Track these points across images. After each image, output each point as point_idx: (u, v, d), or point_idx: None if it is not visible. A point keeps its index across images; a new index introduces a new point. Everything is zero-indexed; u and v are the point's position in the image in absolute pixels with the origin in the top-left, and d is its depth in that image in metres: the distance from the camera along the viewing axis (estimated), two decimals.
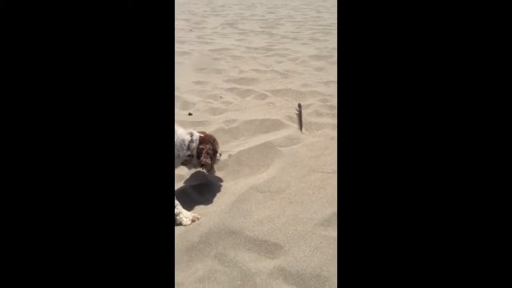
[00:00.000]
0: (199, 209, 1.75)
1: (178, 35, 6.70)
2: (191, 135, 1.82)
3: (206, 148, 1.80)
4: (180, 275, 1.34)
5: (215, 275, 1.35)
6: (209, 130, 2.63)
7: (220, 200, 1.81)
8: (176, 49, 5.50)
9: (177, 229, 1.58)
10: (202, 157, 1.79)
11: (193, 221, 1.64)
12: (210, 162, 1.81)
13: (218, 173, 2.10)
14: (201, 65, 4.65)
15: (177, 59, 5.00)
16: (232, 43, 6.10)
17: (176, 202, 1.65)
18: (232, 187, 1.93)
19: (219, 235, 1.54)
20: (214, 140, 1.91)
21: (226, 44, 5.97)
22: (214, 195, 1.88)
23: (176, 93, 3.52)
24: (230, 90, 3.69)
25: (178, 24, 8.02)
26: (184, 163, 1.83)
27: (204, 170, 1.89)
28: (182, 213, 1.64)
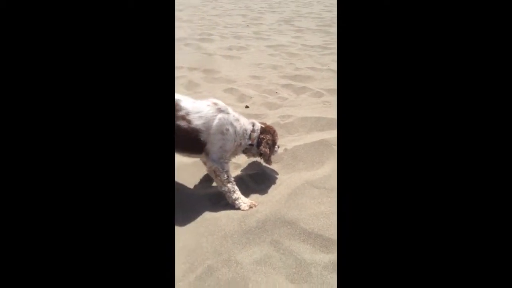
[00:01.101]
0: (255, 197, 1.83)
1: (235, 30, 6.90)
2: (253, 125, 1.90)
3: (266, 138, 1.88)
4: (239, 255, 1.43)
5: (271, 260, 1.42)
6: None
7: (276, 191, 1.87)
8: (233, 44, 5.68)
9: (236, 213, 1.67)
10: (262, 146, 1.87)
11: (250, 207, 1.72)
12: (268, 152, 1.88)
13: (273, 166, 2.17)
14: (258, 61, 4.75)
15: (234, 53, 5.17)
16: (288, 40, 6.12)
17: (236, 187, 1.75)
18: (287, 180, 1.98)
19: (275, 223, 1.60)
20: (274, 131, 1.98)
21: (282, 41, 6.01)
22: (269, 186, 1.94)
23: (233, 86, 3.65)
24: (286, 86, 3.73)
25: (236, 19, 8.24)
26: (245, 151, 1.93)
27: (262, 160, 1.98)
28: (241, 199, 1.74)
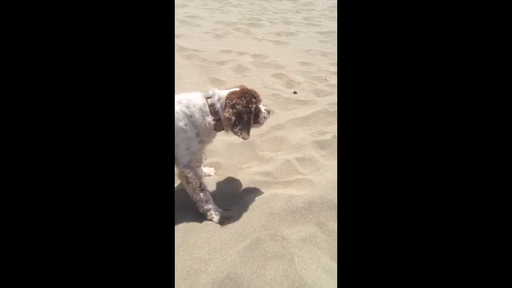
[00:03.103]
0: (303, 180, 1.86)
1: (284, 15, 6.81)
2: (210, 97, 1.55)
3: (233, 102, 1.50)
4: (285, 231, 1.49)
5: (316, 240, 1.45)
6: (313, 110, 2.70)
7: (323, 176, 1.89)
8: (282, 30, 5.63)
9: (283, 193, 1.72)
10: (225, 111, 1.50)
11: (221, 221, 1.56)
12: (233, 117, 1.50)
13: (321, 151, 2.17)
14: (307, 47, 4.67)
15: (283, 39, 5.12)
16: None
17: (209, 196, 1.58)
18: (334, 167, 1.98)
19: (321, 206, 1.62)
20: (252, 95, 1.57)
21: (333, 27, 5.82)
22: (317, 170, 1.96)
23: (282, 71, 3.65)
24: (336, 74, 3.64)
25: (285, 5, 8.10)
26: (217, 128, 1.57)
27: (238, 135, 1.54)
28: (213, 209, 1.58)
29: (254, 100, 1.57)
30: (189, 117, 1.49)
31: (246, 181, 1.87)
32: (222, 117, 1.53)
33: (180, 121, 1.47)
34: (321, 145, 2.22)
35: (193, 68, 3.63)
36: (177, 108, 1.48)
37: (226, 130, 1.62)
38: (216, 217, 1.56)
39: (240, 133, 1.53)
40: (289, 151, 2.18)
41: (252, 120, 1.57)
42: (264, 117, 1.65)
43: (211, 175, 1.91)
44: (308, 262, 1.34)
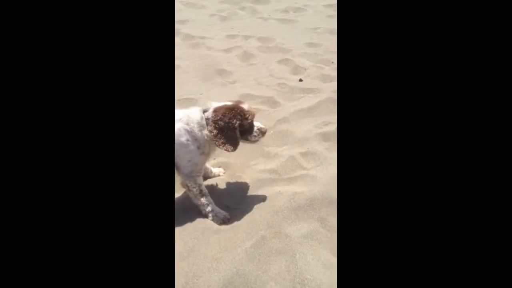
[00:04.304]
0: (306, 176, 1.97)
1: None
2: (205, 110, 1.67)
3: (216, 118, 1.59)
4: (288, 229, 1.63)
5: (317, 235, 1.59)
6: (318, 99, 2.72)
7: (325, 170, 1.98)
8: (289, 4, 5.44)
9: (286, 191, 1.84)
10: (208, 128, 1.60)
11: (223, 221, 1.69)
12: (213, 135, 1.59)
13: (324, 144, 2.24)
14: (315, 24, 4.54)
15: (290, 16, 4.99)
16: None
17: (210, 200, 1.70)
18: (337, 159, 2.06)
19: (322, 202, 1.74)
20: (240, 112, 1.63)
21: None
22: (319, 165, 2.05)
23: (288, 56, 3.63)
24: None
25: None
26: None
27: (218, 147, 1.64)
28: (214, 211, 1.70)
29: (239, 116, 1.63)
30: (190, 132, 1.62)
31: (252, 179, 2.00)
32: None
33: (181, 137, 1.61)
34: (325, 137, 2.29)
35: (200, 59, 3.68)
36: (178, 125, 1.62)
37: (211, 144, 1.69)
38: (217, 219, 1.70)
39: (223, 146, 1.61)
40: (293, 145, 2.27)
41: (237, 135, 1.65)
42: (255, 136, 1.72)
43: (220, 175, 2.05)
44: (309, 258, 1.48)
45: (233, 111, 1.63)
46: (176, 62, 3.57)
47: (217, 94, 2.92)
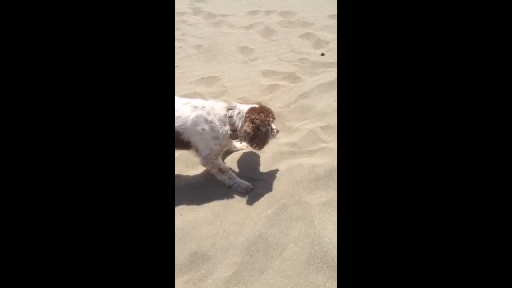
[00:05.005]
0: (325, 149, 2.03)
1: None
2: (231, 108, 1.81)
3: (253, 117, 1.74)
4: (307, 197, 1.73)
5: (335, 203, 1.67)
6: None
7: None
8: None
9: (307, 163, 1.92)
10: (245, 125, 1.74)
11: (247, 190, 1.82)
12: (251, 132, 1.73)
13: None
14: None
15: None
16: None
17: (232, 174, 1.84)
18: None
19: None
20: (269, 112, 1.81)
21: None
22: None
23: (310, 30, 3.58)
24: None
25: None
26: (233, 137, 1.83)
27: (252, 147, 1.84)
28: (237, 183, 1.84)
29: (270, 116, 1.80)
30: (209, 122, 1.76)
31: (274, 152, 2.09)
32: (239, 129, 1.78)
33: (198, 125, 1.75)
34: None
35: (222, 37, 3.73)
36: (198, 113, 1.75)
37: (241, 141, 1.87)
38: (240, 189, 1.84)
39: (256, 146, 1.81)
40: (314, 119, 2.31)
41: (269, 133, 1.81)
42: (273, 135, 1.87)
43: (243, 149, 2.16)
44: (326, 223, 1.58)
45: (265, 111, 1.79)
46: (199, 41, 3.65)
47: (239, 72, 2.99)
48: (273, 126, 1.88)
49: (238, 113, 1.79)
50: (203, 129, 1.75)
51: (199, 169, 2.02)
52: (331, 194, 1.73)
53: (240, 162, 2.07)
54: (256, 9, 4.38)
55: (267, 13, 4.23)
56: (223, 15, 4.33)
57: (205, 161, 1.82)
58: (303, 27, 3.69)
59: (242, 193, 1.83)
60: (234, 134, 1.81)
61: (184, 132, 1.75)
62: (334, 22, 3.66)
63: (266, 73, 2.85)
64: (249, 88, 2.72)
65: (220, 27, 4.03)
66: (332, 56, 3.03)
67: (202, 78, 2.91)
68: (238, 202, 1.78)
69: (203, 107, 1.77)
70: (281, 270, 1.42)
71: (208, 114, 1.76)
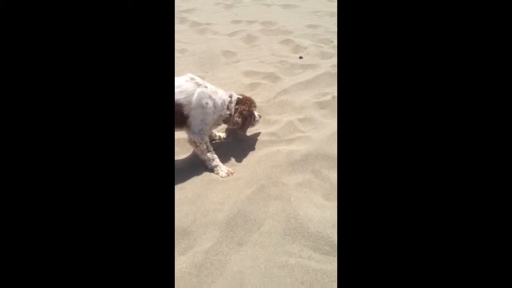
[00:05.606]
0: (302, 137, 2.15)
1: None
2: (231, 96, 2.06)
3: (241, 109, 2.03)
4: (285, 179, 1.82)
5: (310, 184, 1.77)
6: (316, 73, 2.89)
7: (320, 132, 2.15)
8: None
9: (284, 149, 2.03)
10: (235, 116, 2.02)
11: (227, 174, 1.91)
12: (240, 121, 2.03)
13: (321, 111, 2.41)
14: (316, 8, 4.67)
15: (292, 1, 5.12)
16: None
17: (215, 156, 1.95)
18: (332, 124, 2.23)
19: (316, 157, 1.92)
20: (251, 102, 2.10)
21: None
22: (315, 128, 2.23)
23: (289, 37, 3.79)
24: None
25: None
26: (225, 121, 2.08)
27: (237, 129, 2.12)
28: (219, 166, 1.94)
29: (252, 105, 2.10)
30: (213, 99, 1.94)
31: (254, 141, 2.19)
32: (232, 116, 2.04)
33: (203, 99, 1.90)
34: (321, 105, 2.46)
35: (206, 43, 3.87)
36: (203, 89, 1.90)
37: (229, 125, 2.15)
38: (221, 172, 1.92)
39: (241, 130, 2.12)
40: (292, 113, 2.45)
41: (251, 122, 2.12)
42: (256, 120, 2.16)
43: (224, 138, 2.25)
44: (302, 200, 1.67)
45: (248, 101, 2.08)
46: (183, 46, 3.78)
47: (222, 72, 3.11)
48: (256, 113, 2.13)
49: (235, 101, 2.05)
50: (207, 103, 1.91)
51: (182, 155, 2.09)
52: (307, 176, 1.83)
53: (222, 149, 2.15)
54: (239, 19, 4.59)
55: (250, 22, 4.44)
56: (208, 24, 4.50)
57: (196, 136, 1.91)
58: (283, 35, 3.90)
59: (223, 177, 1.90)
60: (228, 118, 2.04)
61: (188, 104, 1.86)
62: (312, 31, 3.90)
63: (248, 73, 2.98)
64: (231, 86, 2.83)
65: (204, 34, 4.18)
66: (309, 59, 3.22)
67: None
68: (218, 184, 1.84)
69: (206, 86, 1.93)
70: (259, 242, 1.48)
71: (214, 92, 1.96)
